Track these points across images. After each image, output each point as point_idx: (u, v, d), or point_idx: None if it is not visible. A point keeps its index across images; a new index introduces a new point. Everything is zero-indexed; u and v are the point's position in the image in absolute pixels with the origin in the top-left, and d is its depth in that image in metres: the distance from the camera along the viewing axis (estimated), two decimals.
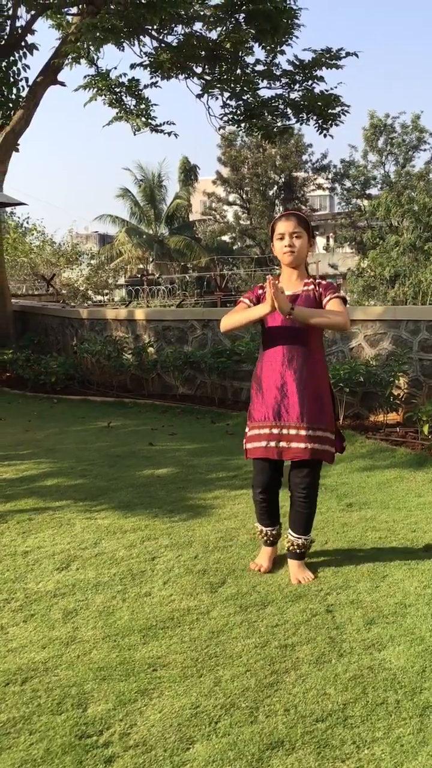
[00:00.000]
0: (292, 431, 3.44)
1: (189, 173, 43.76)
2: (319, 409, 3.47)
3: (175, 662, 2.80)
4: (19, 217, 28.50)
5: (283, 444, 3.46)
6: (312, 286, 3.53)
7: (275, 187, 38.95)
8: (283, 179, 38.47)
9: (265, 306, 3.37)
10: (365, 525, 4.28)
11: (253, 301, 3.61)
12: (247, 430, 3.64)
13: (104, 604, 3.33)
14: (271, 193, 39.14)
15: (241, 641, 2.96)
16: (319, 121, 10.88)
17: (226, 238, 41.52)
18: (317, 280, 3.57)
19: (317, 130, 10.98)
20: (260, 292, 3.62)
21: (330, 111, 10.80)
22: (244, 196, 39.95)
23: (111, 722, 2.44)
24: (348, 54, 10.80)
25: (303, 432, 3.43)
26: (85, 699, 2.57)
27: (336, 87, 10.74)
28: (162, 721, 2.44)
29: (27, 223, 27.35)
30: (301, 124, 11.29)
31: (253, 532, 4.14)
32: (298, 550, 3.59)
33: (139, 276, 33.71)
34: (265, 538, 3.76)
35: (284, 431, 3.46)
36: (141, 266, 40.30)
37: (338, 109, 10.81)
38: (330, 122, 10.96)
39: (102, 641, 2.98)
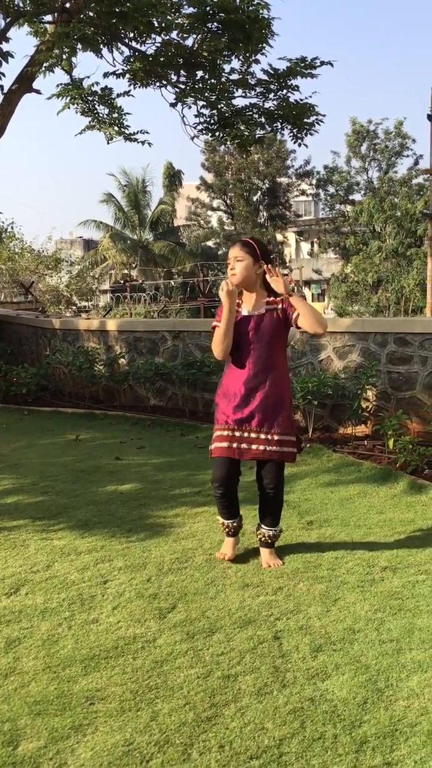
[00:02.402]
0: (253, 435, 3.82)
1: (173, 178, 43.77)
2: (280, 416, 3.83)
3: (113, 695, 2.75)
4: (2, 223, 28.36)
5: (244, 446, 3.82)
6: (274, 306, 3.82)
7: (259, 193, 39.00)
8: (266, 185, 38.52)
9: (225, 301, 3.74)
10: (323, 544, 4.24)
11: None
12: (214, 432, 3.95)
13: (49, 632, 3.27)
14: (255, 198, 39.19)
15: (184, 671, 2.90)
16: (294, 131, 10.85)
17: (210, 243, 41.54)
18: (279, 299, 3.82)
19: (292, 140, 10.96)
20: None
21: (305, 120, 10.77)
22: (228, 201, 39.99)
23: (40, 761, 2.37)
24: (323, 63, 10.77)
25: (262, 436, 3.81)
26: (17, 736, 2.51)
27: (311, 96, 10.66)
28: (93, 759, 2.38)
29: (11, 227, 27.21)
30: (275, 133, 11.27)
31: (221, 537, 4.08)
32: (269, 541, 3.99)
33: (123, 282, 33.66)
34: (227, 529, 4.04)
35: (245, 434, 3.82)
36: (125, 272, 40.25)
37: (313, 118, 10.78)
38: (305, 131, 10.93)
39: (42, 672, 2.92)
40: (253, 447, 3.82)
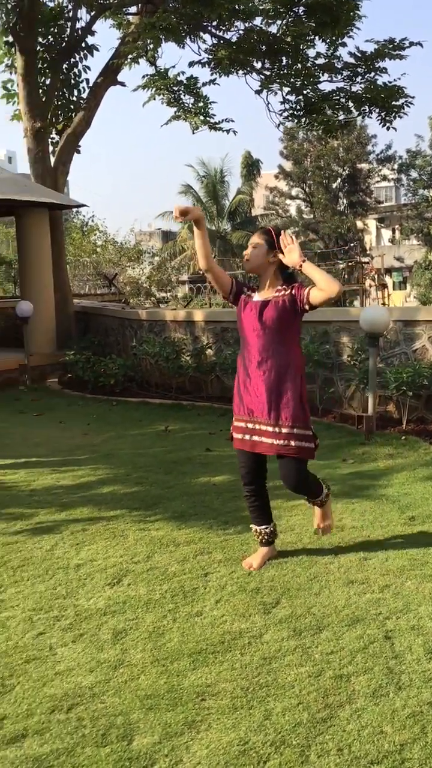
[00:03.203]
0: (262, 427, 3.72)
1: (251, 168, 43.59)
2: (288, 408, 3.67)
3: (224, 691, 2.70)
4: (84, 216, 28.84)
5: (255, 438, 3.75)
6: (282, 293, 3.72)
7: (338, 180, 38.38)
8: (346, 171, 37.87)
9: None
10: (428, 541, 4.10)
11: (237, 279, 3.96)
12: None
13: (154, 624, 3.25)
14: (334, 185, 38.59)
15: (294, 669, 2.83)
16: (382, 114, 10.60)
17: (289, 232, 41.15)
18: (290, 285, 3.73)
19: (380, 123, 10.71)
20: (244, 288, 3.88)
21: (393, 103, 10.50)
22: (306, 189, 39.50)
23: (156, 757, 2.35)
24: (412, 44, 10.49)
25: (270, 429, 3.69)
26: (131, 730, 2.50)
27: (399, 78, 10.37)
28: (209, 757, 2.34)
29: (92, 221, 27.64)
30: (363, 117, 11.04)
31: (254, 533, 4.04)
32: (319, 504, 3.98)
33: (201, 272, 33.75)
34: (259, 537, 3.91)
35: (255, 426, 3.74)
36: None
37: (402, 100, 10.50)
38: (393, 114, 10.66)
39: (150, 665, 2.90)
40: (263, 440, 3.71)
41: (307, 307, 3.66)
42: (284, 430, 3.67)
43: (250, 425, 3.75)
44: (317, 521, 4.03)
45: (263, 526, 3.91)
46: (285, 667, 2.86)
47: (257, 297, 3.79)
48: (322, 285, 3.56)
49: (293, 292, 3.68)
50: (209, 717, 2.55)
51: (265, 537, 3.90)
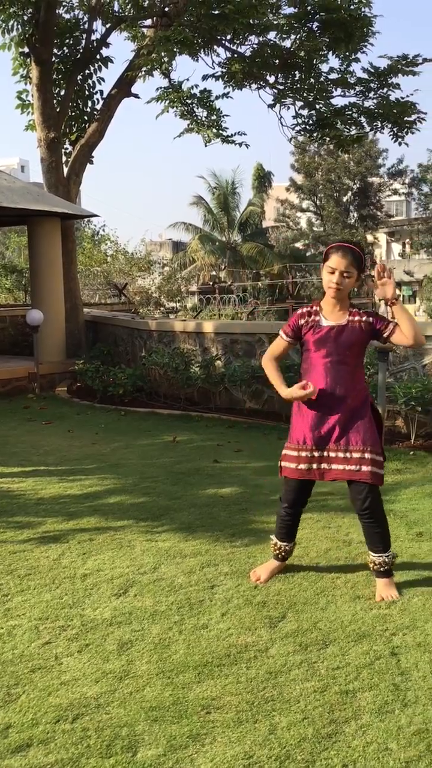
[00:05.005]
0: (332, 454, 3.61)
1: (263, 180, 43.74)
2: (360, 433, 3.59)
3: (229, 705, 2.70)
4: (95, 226, 29.00)
5: (324, 466, 3.63)
6: (357, 317, 3.61)
7: (349, 193, 38.51)
8: (357, 185, 37.99)
9: (283, 391, 3.69)
10: None
11: (290, 335, 3.73)
12: (284, 450, 3.78)
13: (160, 635, 3.25)
14: (345, 199, 38.72)
15: (300, 684, 2.83)
16: (394, 129, 10.65)
17: (299, 245, 41.27)
18: (362, 311, 3.65)
19: (392, 139, 10.76)
20: (301, 322, 3.68)
21: (406, 119, 10.55)
22: (317, 202, 39.64)
23: None
24: (426, 60, 10.55)
25: (341, 455, 3.60)
26: (136, 741, 2.49)
27: (412, 94, 10.42)
28: None
29: (103, 230, 27.80)
30: (375, 132, 11.09)
31: (274, 548, 3.98)
32: (381, 569, 3.64)
33: (211, 283, 33.81)
34: (277, 552, 3.88)
35: (325, 454, 3.62)
36: (213, 273, 40.45)
37: (414, 116, 10.55)
38: (405, 130, 10.71)
39: (156, 677, 2.90)
40: (333, 467, 3.61)
41: (384, 342, 3.64)
42: (356, 455, 3.58)
43: (317, 454, 3.62)
44: (379, 592, 3.60)
45: (285, 543, 3.88)
46: (290, 681, 2.85)
47: (328, 321, 3.61)
48: (407, 332, 3.48)
49: (371, 320, 3.58)
50: (214, 730, 2.55)
51: (283, 553, 3.89)
